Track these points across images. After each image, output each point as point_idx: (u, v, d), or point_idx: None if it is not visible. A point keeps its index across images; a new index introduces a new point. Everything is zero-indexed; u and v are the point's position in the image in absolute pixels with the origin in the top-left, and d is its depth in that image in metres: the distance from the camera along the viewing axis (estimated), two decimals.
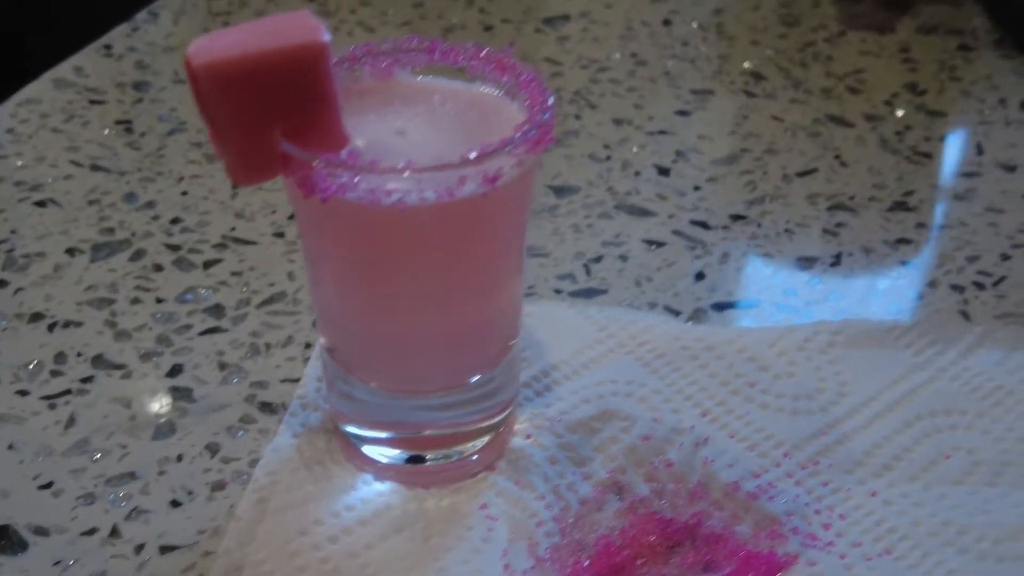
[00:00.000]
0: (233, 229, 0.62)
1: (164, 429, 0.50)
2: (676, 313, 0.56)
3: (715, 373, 0.52)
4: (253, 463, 0.48)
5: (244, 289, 0.58)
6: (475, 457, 0.47)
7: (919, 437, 0.49)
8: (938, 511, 0.45)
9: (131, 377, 0.52)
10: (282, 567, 0.43)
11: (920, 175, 0.68)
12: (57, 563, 0.44)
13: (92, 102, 0.74)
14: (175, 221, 0.63)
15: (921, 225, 0.63)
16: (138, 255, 0.60)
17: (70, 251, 0.60)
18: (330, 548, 0.43)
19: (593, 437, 0.48)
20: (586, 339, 0.53)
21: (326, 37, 0.37)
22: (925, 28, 0.84)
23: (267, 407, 0.51)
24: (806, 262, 0.60)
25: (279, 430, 0.49)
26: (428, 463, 0.47)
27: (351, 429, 0.47)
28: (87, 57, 0.79)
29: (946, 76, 0.78)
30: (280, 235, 0.62)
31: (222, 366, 0.53)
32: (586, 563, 0.43)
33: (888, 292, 0.58)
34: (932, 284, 0.59)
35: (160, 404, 0.51)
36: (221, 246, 0.61)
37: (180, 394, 0.51)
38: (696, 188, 0.66)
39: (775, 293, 0.58)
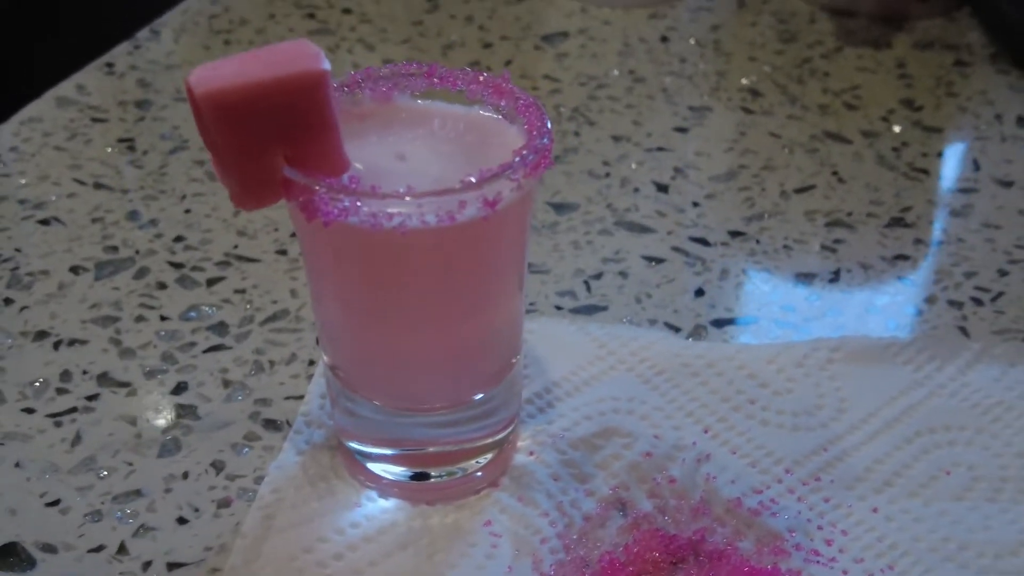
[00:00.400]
0: (236, 247, 0.63)
1: (169, 446, 0.50)
2: (676, 330, 0.57)
3: (715, 390, 0.52)
4: (258, 480, 0.48)
5: (247, 307, 0.58)
6: (479, 474, 0.47)
7: (919, 453, 0.49)
8: (938, 527, 0.46)
9: (136, 395, 0.53)
10: None
11: (917, 191, 0.68)
12: None
13: (94, 120, 0.74)
14: (178, 239, 0.63)
15: (919, 241, 0.64)
16: (142, 273, 0.60)
17: (74, 269, 0.61)
18: (335, 565, 0.44)
19: (595, 454, 0.49)
20: (587, 356, 0.54)
21: (325, 65, 0.38)
22: (921, 44, 0.85)
23: (271, 424, 0.51)
24: (804, 278, 0.61)
25: (283, 447, 0.49)
26: (432, 480, 0.47)
27: (355, 446, 0.48)
28: (89, 75, 0.79)
29: (942, 92, 0.79)
30: (283, 252, 0.62)
31: (226, 383, 0.53)
32: None
33: (886, 308, 0.59)
34: (930, 300, 0.59)
35: (165, 421, 0.51)
36: (224, 264, 0.61)
37: (185, 411, 0.52)
38: (695, 204, 0.67)
39: (774, 309, 0.58)
